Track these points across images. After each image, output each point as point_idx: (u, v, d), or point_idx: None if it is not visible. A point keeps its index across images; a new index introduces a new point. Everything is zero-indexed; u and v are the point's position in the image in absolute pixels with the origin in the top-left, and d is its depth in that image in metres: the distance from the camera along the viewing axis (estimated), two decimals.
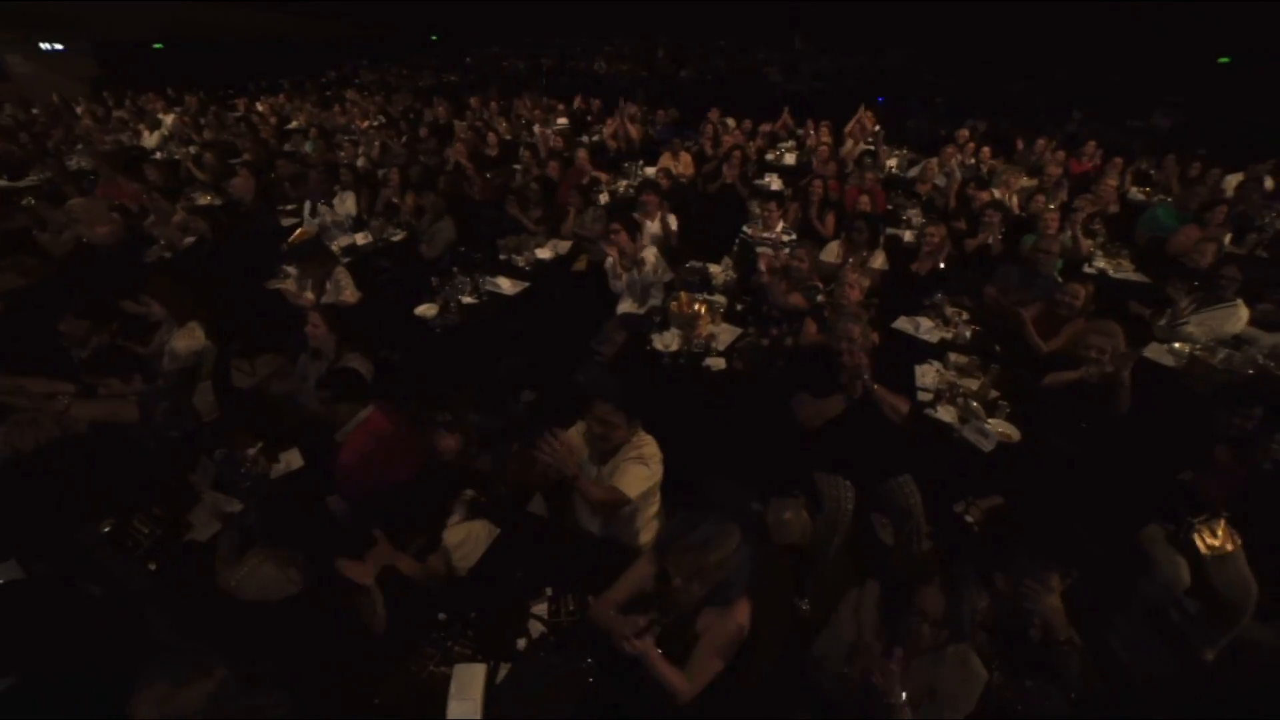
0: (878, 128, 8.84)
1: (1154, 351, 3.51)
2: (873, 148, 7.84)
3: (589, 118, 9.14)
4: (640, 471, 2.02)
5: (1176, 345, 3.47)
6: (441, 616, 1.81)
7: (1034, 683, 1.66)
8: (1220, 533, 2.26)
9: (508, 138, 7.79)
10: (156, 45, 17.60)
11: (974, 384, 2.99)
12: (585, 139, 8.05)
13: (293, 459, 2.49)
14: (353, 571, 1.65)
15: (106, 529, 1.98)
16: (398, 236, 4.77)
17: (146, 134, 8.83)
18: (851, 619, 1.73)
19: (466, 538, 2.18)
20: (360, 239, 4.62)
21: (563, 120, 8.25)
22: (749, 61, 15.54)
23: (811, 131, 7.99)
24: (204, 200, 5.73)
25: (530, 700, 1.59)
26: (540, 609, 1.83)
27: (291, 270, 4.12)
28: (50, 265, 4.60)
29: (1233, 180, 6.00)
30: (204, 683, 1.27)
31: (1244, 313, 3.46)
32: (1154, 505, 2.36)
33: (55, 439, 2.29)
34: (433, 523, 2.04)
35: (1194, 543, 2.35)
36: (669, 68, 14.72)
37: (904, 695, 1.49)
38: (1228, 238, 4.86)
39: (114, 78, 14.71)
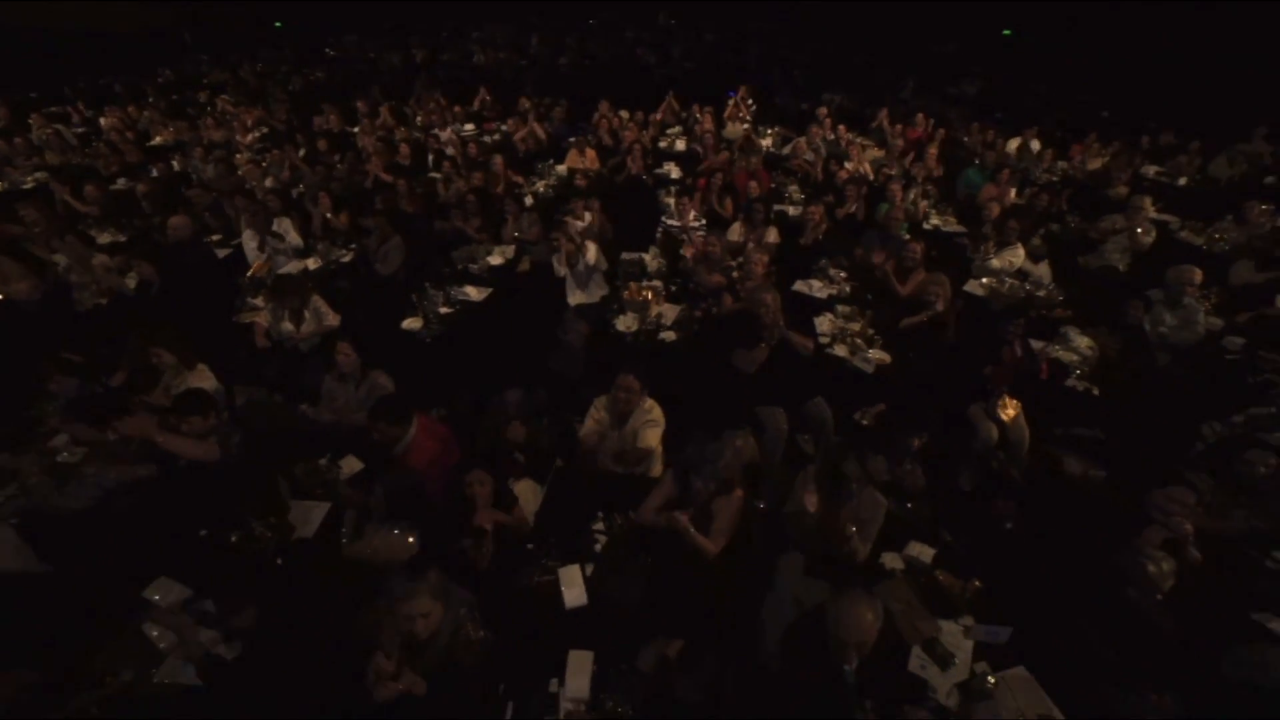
0: (751, 102, 9.94)
1: (970, 285, 4.85)
2: (749, 126, 8.97)
3: (486, 112, 9.34)
4: (655, 431, 2.87)
5: (984, 280, 4.82)
6: (530, 546, 2.51)
7: (913, 505, 2.71)
8: (1009, 403, 3.50)
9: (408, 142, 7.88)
10: None
11: (856, 326, 4.09)
12: (487, 138, 8.34)
13: (352, 464, 2.99)
14: (484, 520, 2.30)
15: (234, 538, 2.41)
16: (346, 257, 5.02)
17: None
18: (803, 489, 2.67)
19: (520, 494, 2.86)
20: (312, 264, 4.83)
21: (469, 126, 8.44)
22: (622, 43, 16.08)
23: (698, 116, 8.86)
24: (104, 238, 5.47)
25: (614, 581, 2.36)
26: (599, 527, 2.59)
27: (258, 303, 4.32)
28: None
29: (1013, 144, 7.74)
30: (435, 580, 1.89)
31: (1021, 251, 4.88)
32: (974, 391, 3.56)
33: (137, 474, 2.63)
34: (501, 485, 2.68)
35: (999, 414, 3.60)
36: (546, 55, 14.87)
37: (853, 529, 2.44)
38: (1013, 192, 6.44)
39: None
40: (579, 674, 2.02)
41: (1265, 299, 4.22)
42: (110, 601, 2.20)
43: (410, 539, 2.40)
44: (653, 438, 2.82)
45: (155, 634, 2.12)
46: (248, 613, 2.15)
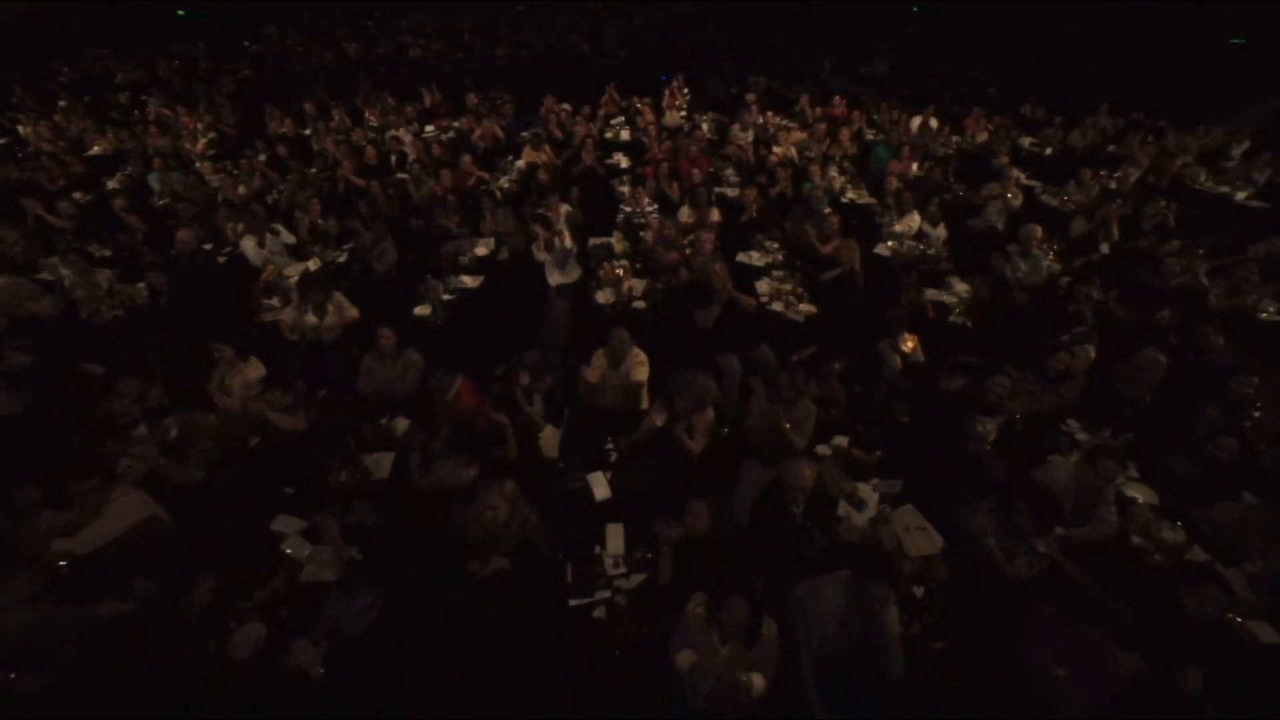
0: (686, 91, 10.71)
1: (879, 248, 5.92)
2: (685, 112, 9.78)
3: (438, 109, 9.68)
4: (643, 368, 3.75)
5: (890, 243, 5.90)
6: (561, 465, 3.34)
7: (836, 411, 3.71)
8: (908, 338, 4.56)
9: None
10: None
11: (789, 286, 5.06)
12: (444, 136, 8.76)
13: (400, 424, 3.69)
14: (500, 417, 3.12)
15: (329, 481, 3.11)
16: (341, 258, 5.53)
17: None
18: (758, 404, 3.61)
19: (545, 435, 3.66)
20: (312, 265, 5.32)
21: (430, 129, 8.80)
22: (554, 29, 16.37)
23: (639, 107, 9.56)
24: (99, 253, 5.71)
25: (628, 479, 3.23)
26: (609, 447, 3.44)
27: (274, 304, 4.83)
28: None
29: (915, 122, 8.91)
30: (509, 488, 2.69)
31: (918, 217, 5.98)
32: (880, 331, 4.59)
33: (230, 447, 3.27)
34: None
35: (901, 347, 4.67)
36: (481, 45, 15.02)
37: (788, 425, 3.39)
38: (915, 166, 7.57)
39: None
40: (615, 539, 2.89)
41: (1094, 247, 5.50)
42: (247, 534, 2.88)
43: (468, 467, 3.18)
44: (641, 373, 3.76)
45: (290, 550, 2.82)
46: (359, 529, 2.87)
